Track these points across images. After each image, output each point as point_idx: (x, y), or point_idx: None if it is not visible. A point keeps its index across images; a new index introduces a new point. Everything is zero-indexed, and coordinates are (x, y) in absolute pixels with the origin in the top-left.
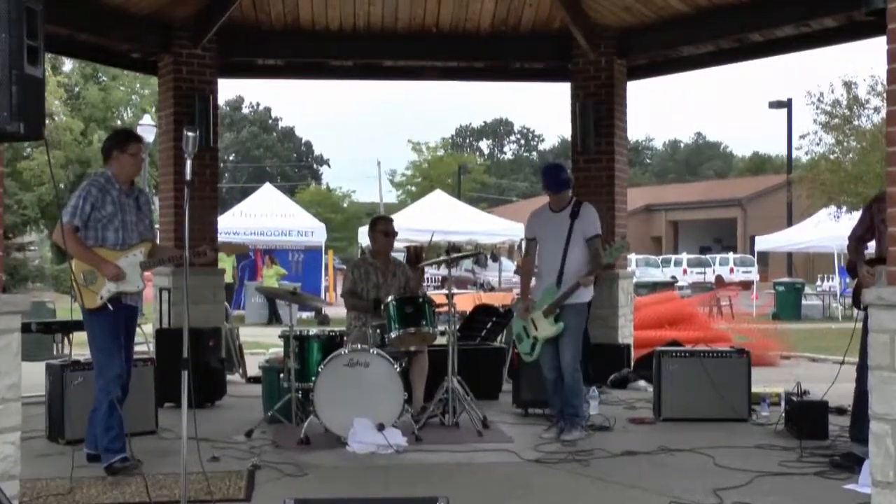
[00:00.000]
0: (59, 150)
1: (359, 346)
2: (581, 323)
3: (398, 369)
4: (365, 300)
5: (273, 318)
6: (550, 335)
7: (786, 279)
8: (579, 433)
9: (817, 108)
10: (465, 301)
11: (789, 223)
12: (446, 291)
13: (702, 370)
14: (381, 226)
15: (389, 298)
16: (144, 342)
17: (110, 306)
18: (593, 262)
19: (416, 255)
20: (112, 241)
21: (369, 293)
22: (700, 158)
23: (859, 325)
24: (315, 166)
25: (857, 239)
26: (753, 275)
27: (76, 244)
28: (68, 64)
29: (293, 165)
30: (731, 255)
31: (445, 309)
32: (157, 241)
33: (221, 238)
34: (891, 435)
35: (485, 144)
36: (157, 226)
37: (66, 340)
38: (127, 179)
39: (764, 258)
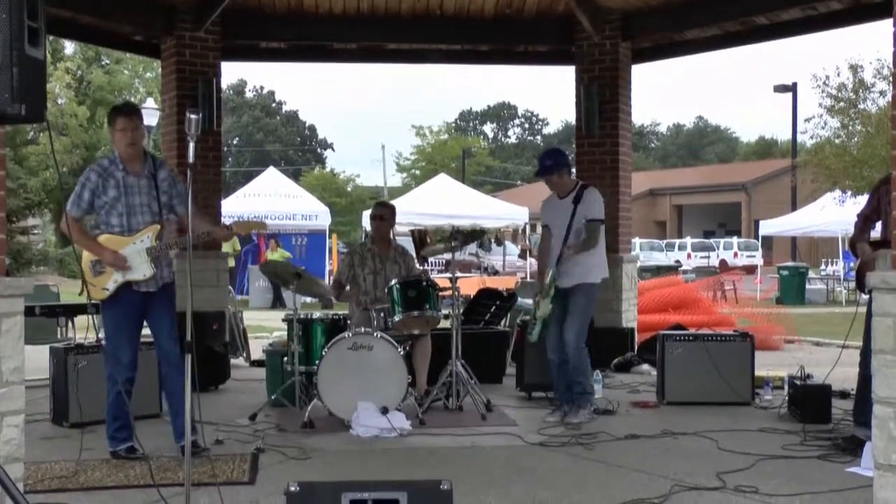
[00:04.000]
0: (66, 135)
1: (362, 329)
2: (586, 303)
3: (402, 353)
4: (346, 294)
5: (277, 303)
6: (543, 315)
7: (790, 263)
8: (586, 414)
9: (823, 91)
10: (469, 285)
11: (794, 207)
12: (450, 275)
13: (705, 354)
14: (374, 210)
15: (393, 282)
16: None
17: (121, 294)
18: (582, 242)
19: (422, 238)
20: (117, 227)
21: (366, 279)
22: (703, 142)
23: (862, 309)
24: (319, 150)
25: (864, 218)
26: (757, 259)
27: (77, 233)
28: (69, 47)
29: (297, 149)
30: (735, 240)
31: (449, 293)
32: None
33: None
34: (893, 418)
35: (489, 128)
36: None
37: (69, 324)
38: (129, 158)
39: (768, 242)
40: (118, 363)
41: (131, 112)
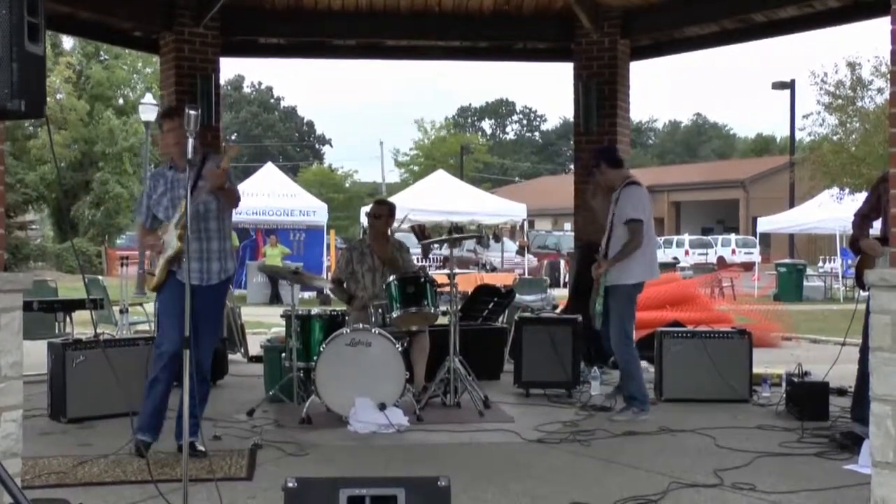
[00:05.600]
0: (65, 130)
1: (360, 325)
2: (620, 305)
3: (400, 349)
4: (345, 292)
5: (275, 298)
6: (596, 311)
7: (787, 260)
8: (629, 415)
9: (821, 88)
10: (467, 281)
11: (791, 205)
12: (448, 271)
13: (703, 351)
14: (371, 209)
15: (391, 278)
16: (146, 321)
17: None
18: (623, 246)
19: (422, 232)
20: (164, 219)
21: (364, 276)
22: (700, 139)
23: (860, 306)
24: (317, 146)
25: (862, 216)
26: (755, 256)
27: (140, 236)
28: (68, 42)
29: (295, 145)
30: (733, 237)
31: (447, 289)
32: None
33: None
34: (891, 416)
35: (487, 125)
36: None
37: (67, 319)
38: (177, 156)
39: (766, 239)
40: (164, 337)
41: (173, 113)
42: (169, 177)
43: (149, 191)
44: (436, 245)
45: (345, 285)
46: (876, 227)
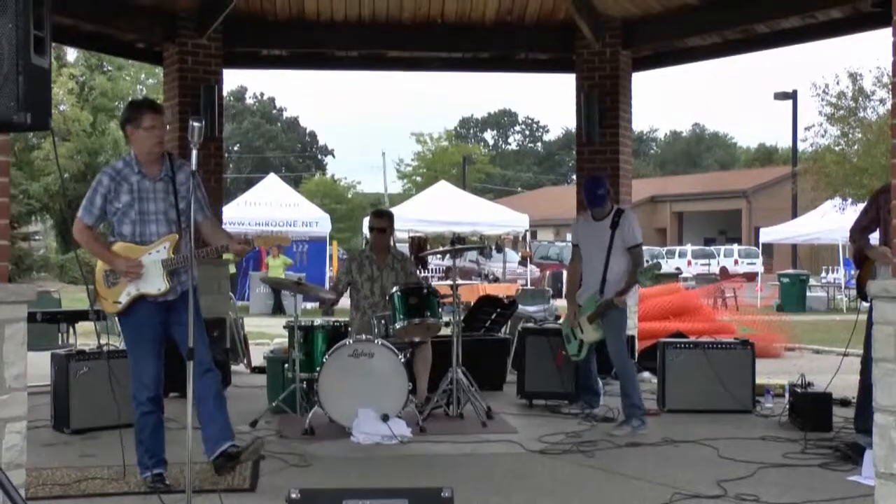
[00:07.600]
0: (68, 141)
1: (363, 336)
2: (622, 317)
3: (402, 360)
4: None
5: (277, 309)
6: (594, 340)
7: (790, 271)
8: (629, 429)
9: (822, 99)
10: (470, 292)
11: (794, 215)
12: (451, 282)
13: (706, 362)
14: (373, 222)
15: (394, 289)
16: None
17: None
18: (631, 274)
19: (420, 245)
20: (129, 236)
21: (363, 286)
22: (699, 149)
23: (862, 316)
24: (319, 157)
25: (861, 230)
26: (758, 266)
27: (87, 240)
28: (72, 54)
29: (298, 156)
30: (735, 247)
31: (450, 300)
32: (209, 224)
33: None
34: (894, 427)
35: (489, 135)
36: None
37: (71, 330)
38: (150, 160)
39: (769, 250)
40: (139, 381)
41: (159, 109)
42: (134, 183)
43: (106, 192)
44: (438, 255)
45: (342, 292)
46: (873, 238)
